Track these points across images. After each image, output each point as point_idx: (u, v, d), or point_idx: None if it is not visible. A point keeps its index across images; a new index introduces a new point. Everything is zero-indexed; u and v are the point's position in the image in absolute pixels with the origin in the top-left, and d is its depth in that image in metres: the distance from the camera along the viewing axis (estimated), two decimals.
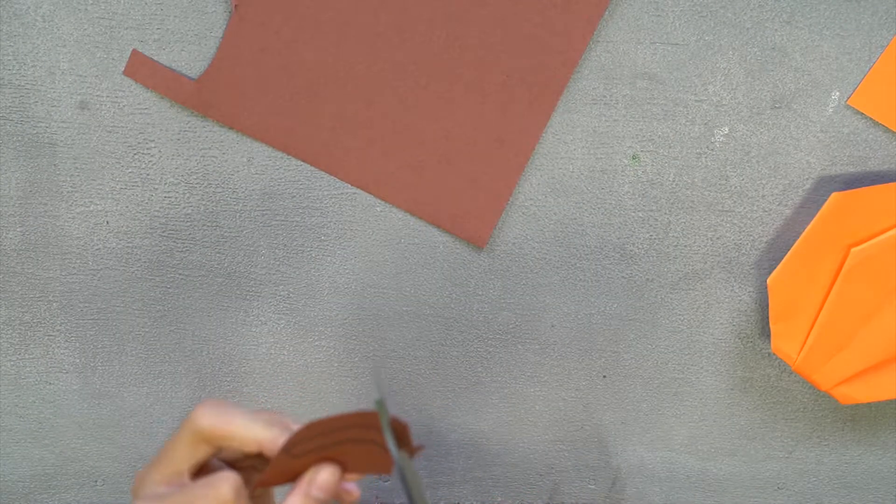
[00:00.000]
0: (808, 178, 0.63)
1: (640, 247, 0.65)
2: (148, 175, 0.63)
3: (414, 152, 0.63)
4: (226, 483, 0.44)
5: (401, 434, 0.45)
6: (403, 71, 0.61)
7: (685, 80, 0.62)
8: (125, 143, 0.63)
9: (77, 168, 0.63)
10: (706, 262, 0.65)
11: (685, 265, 0.65)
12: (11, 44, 0.61)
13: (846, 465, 0.69)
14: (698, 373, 0.67)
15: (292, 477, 0.45)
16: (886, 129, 0.62)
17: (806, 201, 0.63)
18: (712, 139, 0.63)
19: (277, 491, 0.49)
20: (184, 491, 0.45)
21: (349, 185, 0.64)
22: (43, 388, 0.67)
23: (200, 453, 0.46)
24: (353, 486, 0.47)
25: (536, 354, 0.66)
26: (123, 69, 0.61)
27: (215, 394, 0.67)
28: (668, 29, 0.61)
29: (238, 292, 0.65)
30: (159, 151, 0.63)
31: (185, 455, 0.46)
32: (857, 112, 0.62)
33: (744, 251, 0.64)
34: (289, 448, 0.44)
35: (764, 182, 0.63)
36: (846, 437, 0.68)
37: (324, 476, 0.45)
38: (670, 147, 0.63)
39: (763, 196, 0.63)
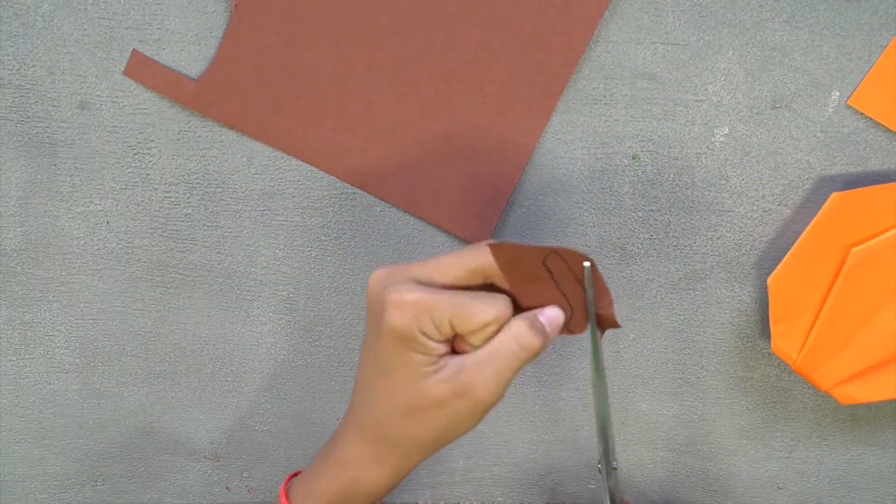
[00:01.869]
0: (808, 178, 0.63)
1: (640, 246, 0.65)
2: (148, 175, 0.63)
3: (414, 152, 0.62)
4: (508, 303, 0.49)
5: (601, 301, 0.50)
6: (403, 71, 0.61)
7: (685, 80, 0.62)
8: (125, 143, 0.63)
9: (77, 168, 0.63)
10: (706, 262, 0.65)
11: (685, 265, 0.65)
12: (11, 43, 0.61)
13: (847, 466, 0.68)
14: (698, 373, 0.67)
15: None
16: (886, 130, 0.62)
17: (806, 201, 0.63)
18: (712, 139, 0.63)
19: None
20: (466, 293, 0.49)
21: (349, 185, 0.63)
22: (43, 387, 0.67)
23: (474, 282, 0.50)
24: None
25: None
26: (123, 69, 0.61)
27: (215, 394, 0.67)
28: (669, 29, 0.61)
29: (238, 292, 0.65)
30: (159, 151, 0.63)
31: (460, 277, 0.49)
32: (858, 112, 0.62)
33: (744, 251, 0.64)
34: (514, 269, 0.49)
35: (764, 182, 0.63)
36: (847, 438, 0.68)
37: (550, 312, 0.50)
38: (670, 147, 0.63)
39: (763, 196, 0.63)
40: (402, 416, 0.50)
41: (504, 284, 0.50)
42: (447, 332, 0.48)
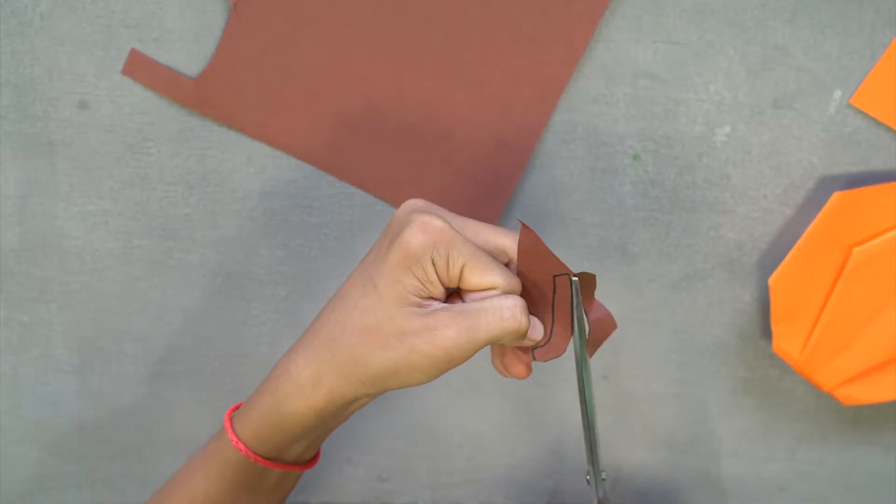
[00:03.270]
0: (809, 178, 0.63)
1: (641, 247, 0.64)
2: (147, 174, 0.63)
3: (414, 152, 0.62)
4: (519, 284, 0.49)
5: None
6: (403, 71, 0.61)
7: (686, 80, 0.62)
8: (124, 142, 0.63)
9: (76, 167, 0.63)
10: (707, 262, 0.65)
11: (686, 265, 0.65)
12: (9, 43, 0.61)
13: (848, 466, 0.68)
14: (699, 373, 0.67)
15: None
16: (889, 129, 0.62)
17: (808, 201, 0.63)
18: (714, 138, 0.62)
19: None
20: (485, 253, 0.49)
21: (349, 185, 0.63)
22: (41, 388, 0.67)
23: (498, 257, 0.50)
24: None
25: None
26: (122, 68, 0.61)
27: (215, 394, 0.67)
28: (670, 28, 0.61)
29: (238, 292, 0.65)
30: (158, 151, 0.63)
31: (489, 247, 0.49)
32: (860, 111, 0.62)
33: (745, 251, 0.64)
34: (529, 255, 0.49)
35: (765, 182, 0.63)
36: (849, 438, 0.68)
37: (536, 322, 0.50)
38: (671, 146, 0.63)
39: (765, 196, 0.63)
40: (360, 333, 0.48)
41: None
42: (455, 274, 0.47)
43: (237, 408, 0.55)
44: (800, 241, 0.61)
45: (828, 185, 0.63)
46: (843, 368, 0.62)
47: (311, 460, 0.56)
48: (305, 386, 0.50)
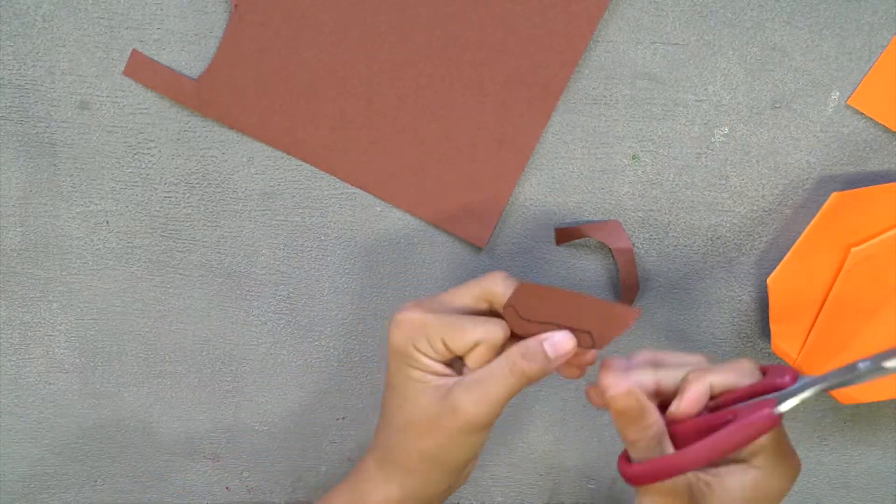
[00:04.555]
0: (808, 178, 0.63)
1: (640, 247, 0.65)
2: (148, 175, 0.63)
3: (414, 152, 0.63)
4: (500, 327, 0.50)
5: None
6: (403, 71, 0.61)
7: (685, 80, 0.62)
8: (125, 142, 0.63)
9: (77, 168, 0.63)
10: (706, 262, 0.65)
11: (685, 265, 0.65)
12: (11, 43, 0.61)
13: (846, 465, 0.69)
14: None
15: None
16: (886, 129, 0.62)
17: (806, 201, 0.63)
18: (712, 139, 0.63)
19: None
20: (462, 315, 0.51)
21: (349, 185, 0.64)
22: (43, 388, 0.67)
23: (479, 307, 0.52)
24: (591, 353, 0.53)
25: None
26: (123, 69, 0.61)
27: (215, 394, 0.67)
28: (669, 29, 0.61)
29: (238, 292, 0.65)
30: (159, 151, 0.63)
31: (467, 302, 0.52)
32: (857, 112, 0.62)
33: (744, 251, 0.64)
34: (511, 304, 0.50)
35: (764, 182, 0.63)
36: (846, 437, 0.68)
37: (560, 337, 0.50)
38: (670, 147, 0.63)
39: (763, 196, 0.63)
40: (401, 430, 0.52)
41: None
42: (441, 349, 0.50)
43: None
44: (798, 242, 0.61)
45: (826, 186, 0.63)
46: None
47: None
48: (379, 483, 0.55)
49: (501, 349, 0.51)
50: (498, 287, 0.51)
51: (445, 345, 0.50)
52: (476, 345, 0.50)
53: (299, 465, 0.68)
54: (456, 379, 0.51)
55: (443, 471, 0.53)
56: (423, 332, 0.50)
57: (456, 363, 0.52)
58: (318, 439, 0.68)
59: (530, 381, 0.50)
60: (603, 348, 0.52)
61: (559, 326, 0.50)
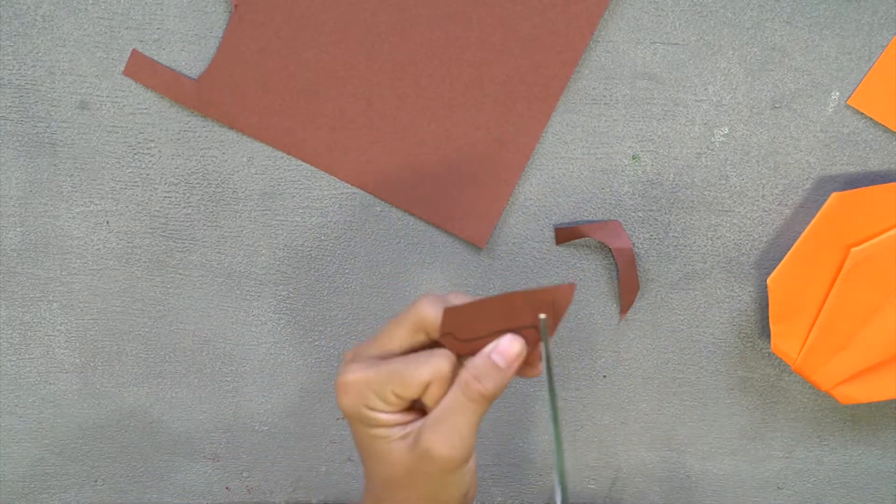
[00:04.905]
0: (807, 178, 0.63)
1: (640, 247, 0.65)
2: (148, 175, 0.63)
3: (414, 152, 0.63)
4: (444, 358, 0.47)
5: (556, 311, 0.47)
6: (403, 71, 0.61)
7: (685, 80, 0.62)
8: (125, 142, 0.63)
9: (77, 168, 0.63)
10: (706, 262, 0.65)
11: (685, 265, 0.65)
12: (11, 43, 0.61)
13: (846, 465, 0.69)
14: (698, 373, 0.67)
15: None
16: (886, 129, 0.62)
17: (806, 201, 0.63)
18: (712, 139, 0.63)
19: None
20: (402, 359, 0.48)
21: (349, 185, 0.64)
22: (43, 387, 0.67)
23: (417, 340, 0.49)
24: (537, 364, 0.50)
25: None
26: (123, 69, 0.61)
27: (215, 394, 0.67)
28: (668, 29, 0.61)
29: (238, 292, 0.65)
30: (159, 151, 0.63)
31: (404, 339, 0.49)
32: (857, 112, 0.62)
33: (744, 251, 0.65)
34: (445, 331, 0.47)
35: (764, 182, 0.63)
36: (846, 437, 0.68)
37: (504, 343, 0.48)
38: (670, 147, 0.63)
39: (763, 196, 0.63)
40: (386, 487, 0.50)
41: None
42: (393, 400, 0.48)
43: None
44: (798, 242, 0.61)
45: (826, 186, 0.63)
46: (840, 368, 0.63)
47: None
48: None
49: (454, 375, 0.48)
50: (428, 314, 0.48)
51: (396, 395, 0.48)
52: (427, 385, 0.47)
53: (299, 465, 0.68)
54: (421, 421, 0.49)
55: None
56: (370, 389, 0.48)
57: (416, 402, 0.50)
58: (318, 439, 0.68)
59: (493, 398, 0.48)
60: (554, 334, 0.50)
61: (502, 333, 0.48)
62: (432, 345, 0.49)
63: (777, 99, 0.62)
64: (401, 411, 0.49)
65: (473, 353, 0.48)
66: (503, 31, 0.60)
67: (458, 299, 0.49)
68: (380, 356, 0.49)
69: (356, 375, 0.48)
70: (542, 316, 0.47)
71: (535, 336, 0.48)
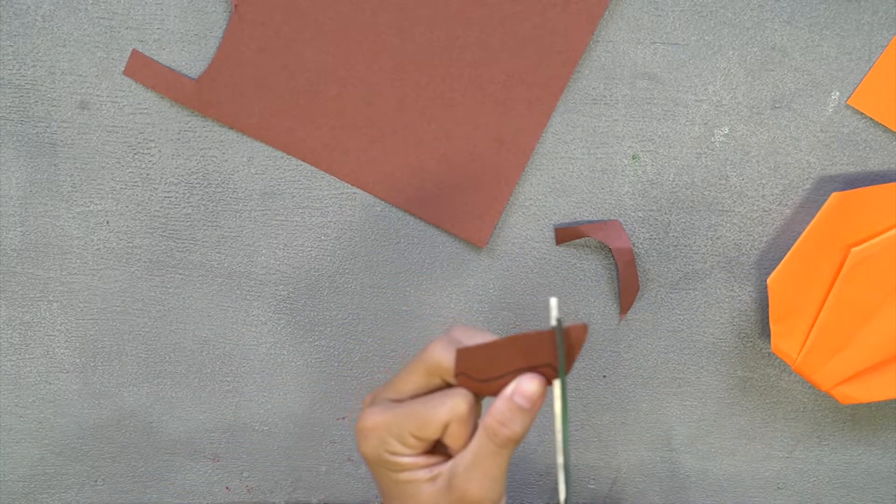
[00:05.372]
0: (807, 178, 0.63)
1: (640, 247, 0.65)
2: (148, 175, 0.63)
3: (414, 152, 0.63)
4: (461, 397, 0.47)
5: (571, 350, 0.46)
6: (403, 71, 0.61)
7: (685, 80, 0.62)
8: (125, 142, 0.63)
9: (77, 168, 0.63)
10: (706, 262, 0.65)
11: (685, 265, 0.65)
12: (11, 43, 0.61)
13: (846, 465, 0.69)
14: (698, 373, 0.67)
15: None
16: (886, 129, 0.62)
17: (806, 201, 0.63)
18: (712, 139, 0.63)
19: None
20: (419, 400, 0.48)
21: (349, 185, 0.64)
22: (43, 387, 0.67)
23: (432, 384, 0.48)
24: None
25: None
26: (123, 69, 0.61)
27: (215, 394, 0.67)
28: (669, 29, 0.61)
29: (238, 292, 0.65)
30: (159, 151, 0.63)
31: (419, 384, 0.49)
32: (857, 112, 0.62)
33: (744, 251, 0.65)
34: (459, 371, 0.47)
35: (764, 182, 0.63)
36: (846, 437, 0.68)
37: (525, 384, 0.47)
38: (670, 147, 0.63)
39: (763, 196, 0.63)
40: None
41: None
42: (414, 443, 0.47)
43: None
44: (798, 242, 0.61)
45: (826, 186, 0.63)
46: (840, 368, 0.63)
47: None
48: None
49: (472, 412, 0.48)
50: (442, 359, 0.48)
51: (416, 437, 0.47)
52: (446, 424, 0.47)
53: (299, 465, 0.68)
54: (449, 463, 0.48)
55: None
56: (390, 434, 0.47)
57: (437, 443, 0.49)
58: (318, 439, 0.68)
59: (521, 439, 0.47)
60: (569, 373, 0.50)
61: (518, 372, 0.47)
62: (448, 387, 0.48)
63: (777, 99, 0.62)
64: (423, 453, 0.48)
65: (491, 393, 0.47)
66: (503, 32, 0.60)
67: (464, 334, 0.48)
68: (396, 400, 0.48)
69: (374, 420, 0.48)
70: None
71: (551, 373, 0.47)
